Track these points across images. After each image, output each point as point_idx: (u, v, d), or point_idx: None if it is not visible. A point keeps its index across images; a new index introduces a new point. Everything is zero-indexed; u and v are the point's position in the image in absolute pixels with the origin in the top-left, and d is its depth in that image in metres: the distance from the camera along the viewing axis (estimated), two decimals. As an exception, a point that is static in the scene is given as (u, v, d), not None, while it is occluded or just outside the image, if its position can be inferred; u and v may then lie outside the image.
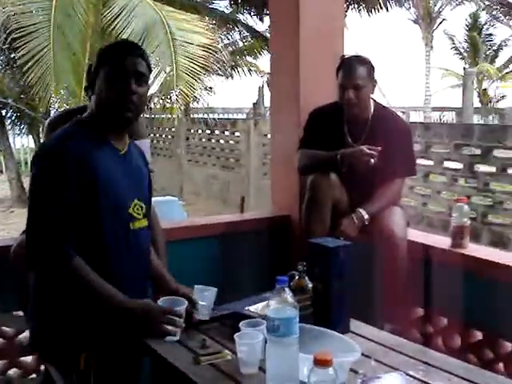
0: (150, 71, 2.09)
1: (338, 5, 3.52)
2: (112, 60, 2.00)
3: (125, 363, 2.00)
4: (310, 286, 1.98)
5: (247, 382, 1.71)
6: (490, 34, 25.40)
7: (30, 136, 13.27)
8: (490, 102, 24.85)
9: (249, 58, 13.40)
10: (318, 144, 3.02)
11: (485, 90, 24.50)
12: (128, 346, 1.98)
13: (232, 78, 12.51)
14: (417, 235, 3.04)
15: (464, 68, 20.61)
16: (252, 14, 13.06)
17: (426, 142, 8.41)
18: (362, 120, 3.03)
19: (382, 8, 13.24)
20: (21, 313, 2.56)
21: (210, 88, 10.18)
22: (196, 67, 7.96)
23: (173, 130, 14.47)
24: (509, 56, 25.02)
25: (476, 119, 18.33)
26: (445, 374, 1.76)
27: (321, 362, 1.36)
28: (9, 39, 8.42)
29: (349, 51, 3.33)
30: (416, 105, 22.88)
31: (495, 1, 22.51)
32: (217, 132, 13.12)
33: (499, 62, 25.45)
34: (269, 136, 10.51)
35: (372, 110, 3.05)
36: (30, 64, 7.59)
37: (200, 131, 13.65)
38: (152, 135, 15.58)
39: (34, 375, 2.77)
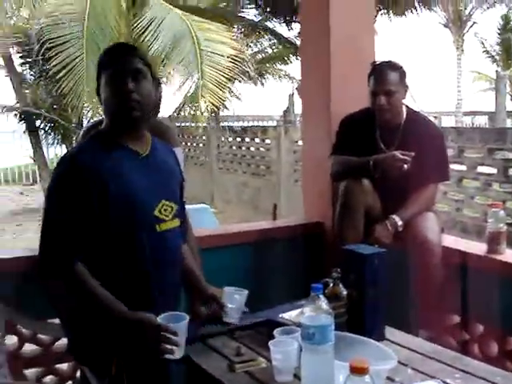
0: (148, 65, 2.04)
1: (368, 10, 3.50)
2: (106, 65, 2.00)
3: (155, 369, 1.97)
4: (345, 293, 1.97)
5: (283, 390, 1.71)
6: (523, 36, 24.99)
7: (64, 146, 13.44)
8: (524, 105, 24.42)
9: (278, 65, 13.42)
10: (350, 150, 3.01)
11: (517, 93, 24.11)
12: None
13: (263, 84, 12.54)
14: (451, 241, 3.00)
15: (496, 71, 20.29)
16: (281, 21, 13.07)
17: (458, 147, 8.31)
18: (394, 126, 3.01)
19: (411, 12, 13.14)
20: (57, 320, 2.59)
21: (237, 97, 10.21)
22: (222, 77, 8.00)
23: (203, 138, 14.57)
24: (542, 58, 24.60)
25: (509, 123, 18.04)
26: (482, 382, 1.74)
27: (357, 370, 1.34)
28: (42, 50, 8.57)
29: (379, 56, 3.31)
30: (447, 109, 22.62)
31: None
32: (247, 139, 13.15)
33: (533, 64, 25.03)
34: (299, 143, 10.51)
35: (404, 116, 3.03)
36: (62, 73, 7.71)
37: (230, 139, 13.70)
38: (183, 144, 15.70)
39: (69, 382, 2.80)
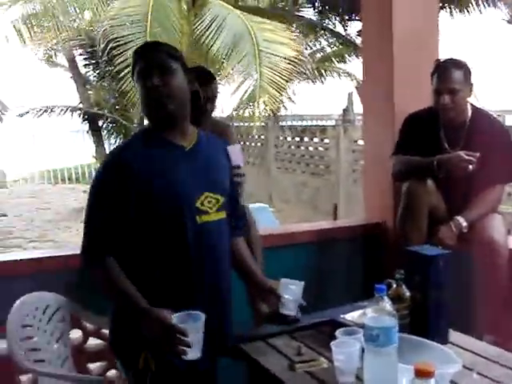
0: (175, 57, 2.01)
1: (432, 6, 3.45)
2: (134, 64, 2.01)
3: (184, 368, 1.89)
4: (408, 294, 1.94)
5: (344, 391, 1.70)
6: None
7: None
8: None
9: (337, 64, 13.32)
10: (413, 149, 2.97)
11: None
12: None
13: (322, 83, 12.48)
14: (518, 243, 2.92)
15: None
16: (339, 19, 12.99)
17: (524, 146, 8.06)
18: (458, 125, 2.95)
19: (474, 8, 12.83)
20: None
21: (291, 99, 10.17)
22: (280, 78, 7.99)
23: (261, 138, 14.59)
24: None
25: None
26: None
27: (422, 373, 1.32)
28: (105, 52, 8.77)
29: (443, 54, 3.25)
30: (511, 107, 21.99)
31: None
32: (306, 139, 13.11)
33: None
34: (359, 142, 10.42)
35: (469, 114, 2.97)
36: (125, 72, 7.85)
37: (289, 138, 13.69)
38: (241, 143, 15.78)
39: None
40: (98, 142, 12.62)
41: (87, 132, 12.64)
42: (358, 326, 1.82)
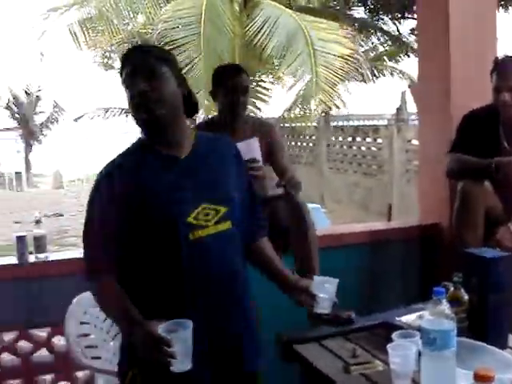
0: (164, 60, 1.86)
1: (489, 3, 3.37)
2: (121, 69, 1.88)
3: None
4: (466, 297, 1.90)
5: (400, 395, 1.67)
6: None
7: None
8: None
9: (390, 63, 13.19)
10: (471, 148, 2.90)
11: None
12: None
13: (374, 82, 12.37)
14: None
15: None
16: (391, 18, 12.87)
17: None
18: (518, 123, 2.87)
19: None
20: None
21: (342, 100, 10.11)
22: (334, 77, 7.95)
23: (313, 137, 14.55)
24: None
25: None
26: None
27: (482, 378, 1.29)
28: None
29: (501, 51, 3.18)
30: None
31: None
32: (358, 139, 13.02)
33: None
34: (412, 142, 10.26)
35: (530, 113, 2.88)
36: (180, 74, 7.96)
37: (341, 138, 13.61)
38: (293, 144, 15.76)
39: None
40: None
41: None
42: (412, 329, 1.79)
